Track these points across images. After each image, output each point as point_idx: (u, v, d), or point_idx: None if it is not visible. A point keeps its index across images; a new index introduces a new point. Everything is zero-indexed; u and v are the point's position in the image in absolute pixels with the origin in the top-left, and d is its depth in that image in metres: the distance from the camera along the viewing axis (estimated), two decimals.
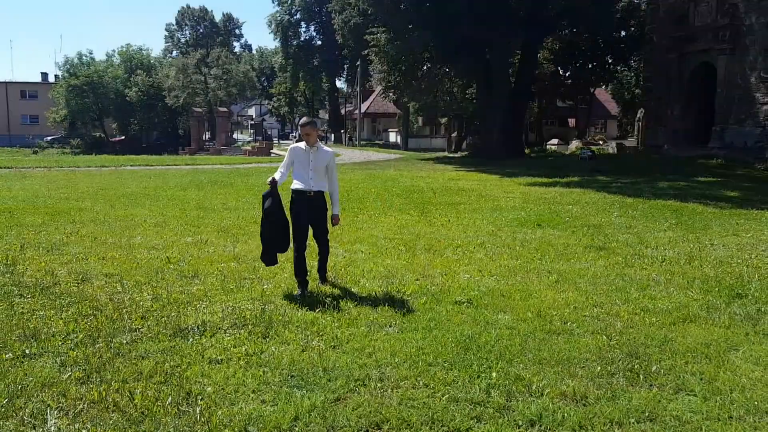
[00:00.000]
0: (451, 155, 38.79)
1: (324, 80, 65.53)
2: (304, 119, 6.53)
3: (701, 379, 4.21)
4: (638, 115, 33.47)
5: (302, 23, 63.11)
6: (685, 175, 20.25)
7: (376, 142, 59.91)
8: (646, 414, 3.71)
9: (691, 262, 7.79)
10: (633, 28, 38.80)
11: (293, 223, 6.35)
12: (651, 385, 4.14)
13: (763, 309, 5.80)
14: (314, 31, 63.68)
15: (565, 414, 3.70)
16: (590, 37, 38.56)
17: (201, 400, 3.87)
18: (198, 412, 3.71)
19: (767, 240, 9.31)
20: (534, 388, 4.07)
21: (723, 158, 24.86)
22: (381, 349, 4.73)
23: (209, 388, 4.04)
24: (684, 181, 18.81)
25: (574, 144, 39.06)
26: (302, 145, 6.42)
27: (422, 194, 15.67)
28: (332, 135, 68.09)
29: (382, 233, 9.90)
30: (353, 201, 14.17)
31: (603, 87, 52.59)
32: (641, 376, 4.26)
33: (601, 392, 4.02)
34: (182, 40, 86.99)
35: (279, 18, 61.24)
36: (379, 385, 4.10)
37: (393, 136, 58.21)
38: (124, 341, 4.90)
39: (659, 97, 30.10)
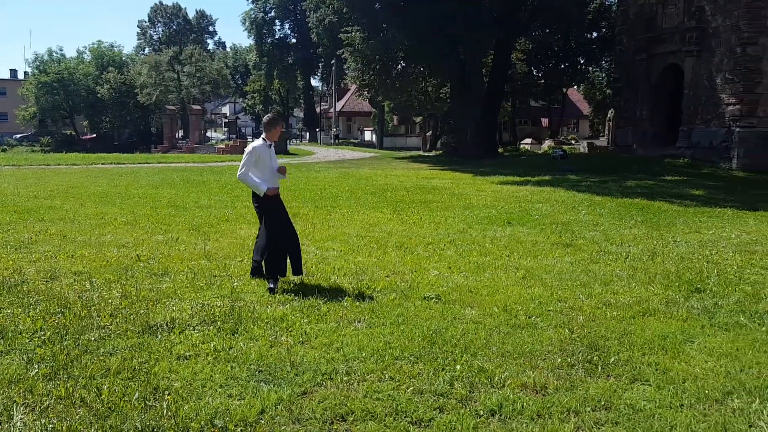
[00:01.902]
0: (425, 154, 39.00)
1: (299, 78, 65.30)
2: (272, 116, 6.67)
3: (656, 370, 4.37)
4: (609, 115, 34.02)
5: (277, 21, 62.80)
6: (652, 175, 20.69)
7: (352, 140, 59.94)
8: (602, 403, 3.85)
9: (654, 258, 8.01)
10: (604, 30, 39.42)
11: (283, 223, 6.49)
12: (608, 376, 4.29)
13: (719, 303, 6.00)
14: (289, 29, 63.45)
15: (525, 404, 3.82)
16: (562, 38, 39.09)
17: (168, 394, 3.91)
18: (165, 406, 3.75)
19: (728, 237, 9.60)
20: (496, 379, 4.19)
21: (690, 158, 25.41)
22: (349, 344, 4.81)
23: (177, 384, 4.08)
24: (651, 180, 19.23)
25: (547, 143, 39.55)
26: (265, 143, 6.47)
27: (395, 193, 15.78)
28: (307, 133, 67.93)
29: (355, 231, 9.98)
30: (327, 199, 14.23)
31: (575, 87, 53.29)
32: (599, 367, 4.41)
33: (561, 383, 4.15)
34: (155, 37, 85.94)
35: (253, 15, 60.87)
36: (345, 378, 4.18)
37: (369, 135, 58.31)
38: (92, 338, 4.91)
39: (629, 98, 30.61)
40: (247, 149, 6.48)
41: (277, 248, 6.38)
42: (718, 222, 11.15)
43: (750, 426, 3.59)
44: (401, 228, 10.41)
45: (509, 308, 5.79)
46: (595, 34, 40.96)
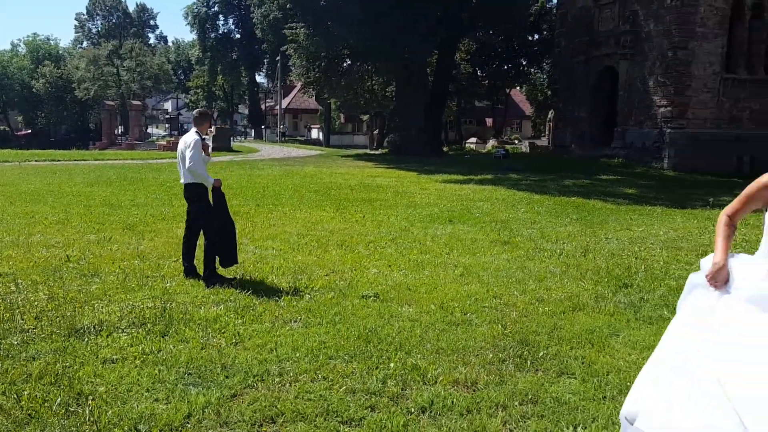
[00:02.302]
0: (372, 152, 39.04)
1: (243, 74, 64.36)
2: (202, 110, 6.90)
3: (582, 363, 4.50)
4: (549, 116, 34.87)
5: (220, 16, 61.72)
6: (588, 174, 21.33)
7: (299, 138, 59.48)
8: (530, 396, 3.94)
9: (586, 254, 8.26)
10: (545, 32, 40.37)
11: (227, 215, 6.63)
12: (537, 370, 4.40)
13: (645, 297, 6.23)
14: (233, 24, 62.46)
15: (455, 400, 3.87)
16: (505, 39, 39.80)
17: (92, 400, 3.79)
18: (87, 412, 3.63)
19: (656, 234, 9.98)
20: (429, 376, 4.23)
21: (624, 158, 26.29)
22: (283, 344, 4.77)
23: (101, 388, 3.96)
24: (587, 179, 19.83)
25: (491, 143, 40.25)
26: (200, 137, 6.51)
27: (339, 191, 15.73)
28: (252, 130, 66.98)
29: (296, 230, 9.90)
30: (268, 197, 14.07)
31: (518, 88, 54.39)
32: (529, 362, 4.51)
33: (491, 378, 4.22)
34: (93, 31, 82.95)
35: (196, 10, 59.63)
36: (277, 379, 4.14)
37: (315, 133, 57.98)
38: (15, 342, 4.72)
39: (567, 99, 31.45)
40: (191, 141, 6.43)
41: (228, 240, 6.53)
42: (648, 219, 11.58)
43: None
44: (343, 226, 10.39)
45: (446, 305, 5.85)
46: (536, 36, 41.89)
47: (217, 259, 6.56)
